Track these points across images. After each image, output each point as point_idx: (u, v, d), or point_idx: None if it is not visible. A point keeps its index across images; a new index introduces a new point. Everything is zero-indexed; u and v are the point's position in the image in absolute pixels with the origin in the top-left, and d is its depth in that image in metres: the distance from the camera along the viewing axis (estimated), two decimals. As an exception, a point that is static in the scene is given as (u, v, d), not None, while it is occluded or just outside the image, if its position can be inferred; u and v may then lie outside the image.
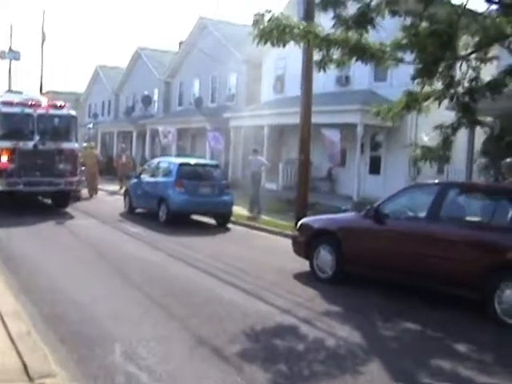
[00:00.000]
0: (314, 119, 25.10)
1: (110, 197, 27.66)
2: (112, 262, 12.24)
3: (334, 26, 13.20)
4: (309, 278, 11.39)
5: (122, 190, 26.95)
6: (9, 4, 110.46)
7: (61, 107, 20.75)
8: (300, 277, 11.61)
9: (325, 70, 14.29)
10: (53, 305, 8.70)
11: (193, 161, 19.80)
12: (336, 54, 14.10)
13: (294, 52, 29.83)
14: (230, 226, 18.90)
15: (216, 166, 19.77)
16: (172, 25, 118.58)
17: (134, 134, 41.79)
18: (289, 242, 16.11)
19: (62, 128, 20.63)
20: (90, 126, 25.69)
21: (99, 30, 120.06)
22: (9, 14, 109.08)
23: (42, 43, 44.45)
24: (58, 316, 8.15)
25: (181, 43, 46.63)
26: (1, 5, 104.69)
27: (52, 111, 20.27)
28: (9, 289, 9.24)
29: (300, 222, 12.32)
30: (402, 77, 24.33)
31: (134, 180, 21.23)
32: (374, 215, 10.66)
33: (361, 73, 24.64)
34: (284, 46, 13.54)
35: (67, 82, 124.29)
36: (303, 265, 11.94)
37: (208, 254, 13.52)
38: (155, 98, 43.61)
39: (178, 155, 30.97)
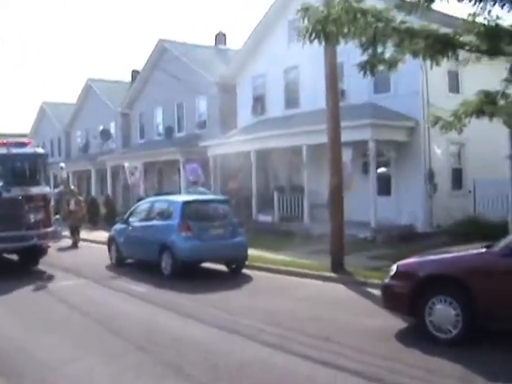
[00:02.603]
0: (315, 139, 22.34)
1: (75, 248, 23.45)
2: (142, 347, 8.66)
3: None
4: (422, 342, 8.39)
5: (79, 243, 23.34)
6: None
7: (25, 145, 17.26)
8: (407, 340, 8.66)
9: (373, 74, 11.72)
10: None
11: (196, 197, 16.41)
12: (389, 51, 11.55)
13: (273, 68, 27.27)
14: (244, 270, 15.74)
15: (224, 202, 16.40)
16: (120, 55, 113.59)
17: (93, 173, 37.86)
18: (337, 288, 13.32)
19: (28, 170, 17.11)
20: (62, 165, 21.92)
21: (41, 64, 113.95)
22: None
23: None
24: None
25: (133, 72, 43.40)
26: None
27: (15, 150, 16.70)
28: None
29: (396, 267, 9.16)
30: (408, 85, 21.87)
31: (120, 225, 17.59)
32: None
33: (358, 85, 21.99)
34: (338, 41, 10.82)
35: (10, 123, 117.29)
36: (390, 321, 9.48)
37: (256, 318, 10.31)
38: (112, 131, 39.89)
39: (153, 194, 27.45)
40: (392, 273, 9.18)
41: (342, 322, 10.00)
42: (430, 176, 21.33)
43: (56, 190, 19.22)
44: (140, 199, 30.13)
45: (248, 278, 14.84)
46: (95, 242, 24.80)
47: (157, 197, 18.96)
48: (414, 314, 8.76)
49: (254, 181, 24.89)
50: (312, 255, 17.49)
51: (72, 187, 28.47)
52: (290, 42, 26.29)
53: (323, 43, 10.13)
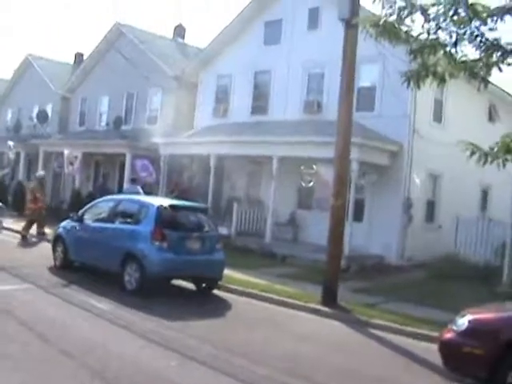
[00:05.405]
0: (287, 151, 20.48)
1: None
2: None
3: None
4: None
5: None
6: None
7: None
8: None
9: (418, 87, 10.26)
10: None
11: (174, 202, 14.02)
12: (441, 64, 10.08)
13: (243, 69, 25.05)
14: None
15: (205, 211, 14.19)
16: (63, 36, 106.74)
17: (22, 156, 34.20)
18: (338, 327, 11.44)
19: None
20: (11, 143, 19.03)
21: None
22: None
23: None
24: None
25: (77, 54, 40.55)
26: None
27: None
28: None
29: (468, 322, 7.33)
30: (396, 107, 20.06)
31: (71, 223, 14.90)
32: None
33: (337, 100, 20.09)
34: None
35: None
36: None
37: (270, 364, 8.17)
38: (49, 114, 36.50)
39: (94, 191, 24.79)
40: (460, 328, 7.36)
41: (376, 377, 8.07)
42: (408, 206, 19.82)
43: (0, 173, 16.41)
44: (77, 193, 27.61)
45: (225, 303, 12.68)
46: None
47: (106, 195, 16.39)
48: (492, 380, 6.96)
49: (211, 188, 22.63)
50: (284, 279, 15.73)
51: (41, 173, 23.27)
52: (265, 45, 24.39)
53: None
